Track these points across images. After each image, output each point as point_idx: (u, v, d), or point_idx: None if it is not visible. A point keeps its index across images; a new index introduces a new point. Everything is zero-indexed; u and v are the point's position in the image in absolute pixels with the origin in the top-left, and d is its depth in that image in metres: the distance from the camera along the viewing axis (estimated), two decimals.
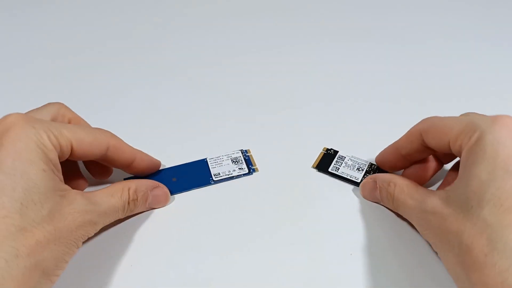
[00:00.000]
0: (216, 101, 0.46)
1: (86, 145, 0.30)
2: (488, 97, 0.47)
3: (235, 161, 0.39)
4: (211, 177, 0.38)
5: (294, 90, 0.48)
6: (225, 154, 0.40)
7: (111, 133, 0.33)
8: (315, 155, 0.40)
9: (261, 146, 0.41)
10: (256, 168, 0.39)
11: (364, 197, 0.36)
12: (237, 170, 0.39)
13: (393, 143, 0.35)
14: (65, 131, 0.28)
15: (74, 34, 0.55)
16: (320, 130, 0.43)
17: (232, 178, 0.38)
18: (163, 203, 0.36)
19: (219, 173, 0.38)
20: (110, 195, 0.31)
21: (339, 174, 0.38)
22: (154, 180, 0.36)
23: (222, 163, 0.39)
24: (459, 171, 0.28)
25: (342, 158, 0.40)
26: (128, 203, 0.32)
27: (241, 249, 0.33)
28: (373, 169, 0.38)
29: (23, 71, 0.49)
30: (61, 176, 0.29)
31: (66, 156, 0.29)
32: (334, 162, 0.39)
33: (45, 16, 0.57)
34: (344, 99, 0.46)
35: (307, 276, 0.31)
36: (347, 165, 0.39)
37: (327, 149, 0.40)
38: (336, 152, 0.40)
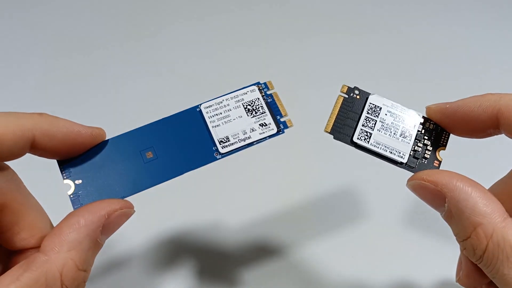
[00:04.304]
0: None
1: None
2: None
3: (251, 108, 0.22)
4: (215, 146, 0.22)
5: None
6: (232, 94, 0.23)
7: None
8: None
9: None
10: (289, 120, 0.23)
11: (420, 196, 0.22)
12: (259, 129, 0.22)
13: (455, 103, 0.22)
14: None
15: (70, 32, 0.46)
16: None
17: (251, 144, 0.22)
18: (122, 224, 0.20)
19: (227, 138, 0.22)
20: None
21: (372, 149, 0.22)
22: (109, 156, 0.21)
23: (229, 114, 0.22)
24: None
25: (376, 110, 0.23)
26: None
27: None
28: (429, 131, 0.23)
29: (20, 70, 0.43)
30: None
31: None
32: (362, 119, 0.23)
33: (41, 14, 0.47)
34: None
35: None
36: (385, 127, 0.22)
37: (349, 90, 0.23)
38: (364, 95, 0.23)
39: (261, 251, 0.31)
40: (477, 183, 0.20)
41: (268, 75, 0.40)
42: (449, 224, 0.21)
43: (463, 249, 0.20)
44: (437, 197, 0.20)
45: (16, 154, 0.18)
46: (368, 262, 0.31)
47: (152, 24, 0.45)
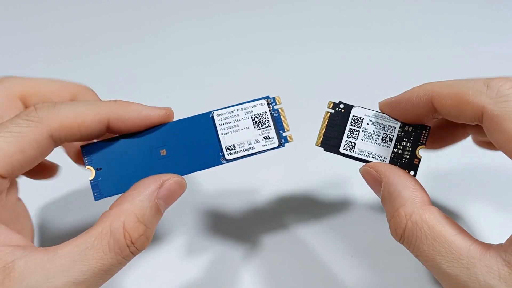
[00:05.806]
0: None
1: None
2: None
3: (258, 121, 0.25)
4: (222, 152, 0.24)
5: None
6: (243, 106, 0.25)
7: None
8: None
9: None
10: (290, 135, 0.25)
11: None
12: (262, 141, 0.25)
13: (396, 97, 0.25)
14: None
15: (71, 32, 0.48)
16: None
17: (254, 154, 0.25)
18: (178, 196, 0.23)
19: (233, 146, 0.24)
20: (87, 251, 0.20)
21: (358, 157, 0.26)
22: (128, 149, 0.24)
23: (237, 124, 0.25)
24: None
25: (358, 121, 0.26)
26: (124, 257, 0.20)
27: None
28: (408, 133, 0.25)
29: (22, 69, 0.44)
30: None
31: None
32: (347, 131, 0.26)
33: (42, 14, 0.49)
34: None
35: None
36: (367, 135, 0.26)
37: (334, 105, 0.26)
38: (348, 108, 0.26)
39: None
40: (412, 176, 0.23)
41: (271, 75, 0.42)
42: (384, 208, 0.23)
43: (390, 231, 0.22)
44: (377, 182, 0.24)
45: (95, 136, 0.22)
46: (368, 262, 0.32)
47: (163, 27, 0.47)
